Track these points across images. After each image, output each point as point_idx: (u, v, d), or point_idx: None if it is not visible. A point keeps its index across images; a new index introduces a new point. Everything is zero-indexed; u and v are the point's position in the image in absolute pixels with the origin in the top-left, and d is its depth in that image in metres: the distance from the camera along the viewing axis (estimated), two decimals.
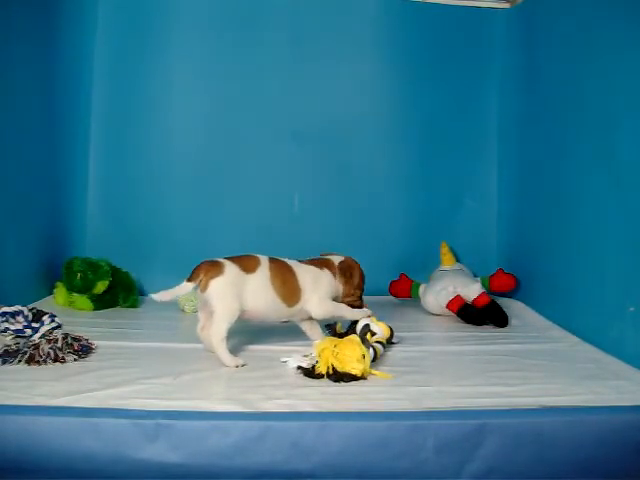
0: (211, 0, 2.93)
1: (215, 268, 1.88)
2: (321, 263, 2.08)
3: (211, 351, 1.88)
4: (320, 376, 1.71)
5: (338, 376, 1.69)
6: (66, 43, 2.74)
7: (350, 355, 1.72)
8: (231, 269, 1.89)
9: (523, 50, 2.83)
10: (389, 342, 1.99)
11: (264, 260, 1.97)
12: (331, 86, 2.97)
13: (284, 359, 1.83)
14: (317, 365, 1.73)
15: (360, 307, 2.08)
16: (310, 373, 1.73)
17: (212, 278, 1.86)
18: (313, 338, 2.02)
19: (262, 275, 1.94)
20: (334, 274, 2.07)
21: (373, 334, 1.91)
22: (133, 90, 2.91)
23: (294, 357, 1.81)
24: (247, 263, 1.94)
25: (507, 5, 3.00)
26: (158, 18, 2.90)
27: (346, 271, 2.08)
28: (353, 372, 1.69)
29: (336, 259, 2.11)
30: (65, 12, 2.72)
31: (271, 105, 2.94)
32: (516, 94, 2.89)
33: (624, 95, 1.96)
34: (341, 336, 1.93)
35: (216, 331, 1.84)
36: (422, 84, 3.00)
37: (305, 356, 1.79)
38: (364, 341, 1.83)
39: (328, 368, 1.70)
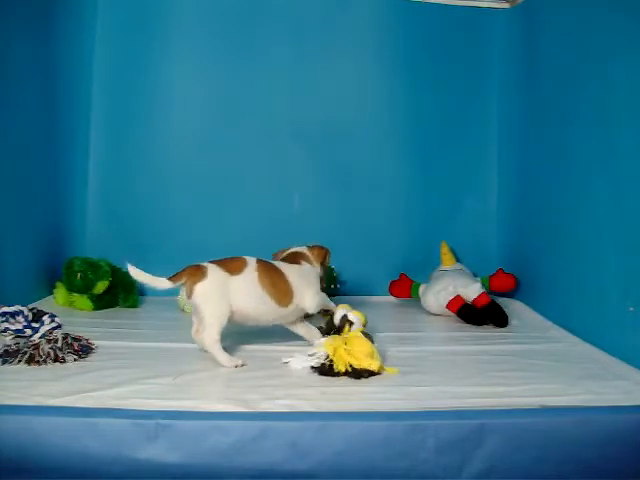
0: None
1: (198, 273, 1.88)
2: (295, 258, 2.12)
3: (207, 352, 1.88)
4: (338, 374, 1.73)
5: (357, 373, 1.73)
6: (66, 42, 2.74)
7: (361, 351, 1.76)
8: (214, 272, 1.89)
9: (523, 50, 2.83)
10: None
11: (251, 261, 1.97)
12: (331, 86, 2.97)
13: (286, 360, 1.84)
14: (334, 364, 1.75)
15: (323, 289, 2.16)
16: (327, 372, 1.75)
17: (195, 283, 1.87)
18: (312, 338, 2.03)
19: (249, 276, 1.94)
20: (312, 263, 2.14)
21: (351, 323, 1.91)
22: (133, 90, 2.91)
23: (296, 357, 1.82)
24: (232, 265, 1.94)
25: (507, 5, 2.99)
26: (158, 17, 2.90)
27: (323, 256, 2.19)
28: (371, 368, 1.74)
29: (302, 249, 2.18)
30: (65, 11, 2.71)
31: (271, 105, 2.94)
32: (516, 94, 2.89)
33: (624, 95, 1.96)
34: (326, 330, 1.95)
35: (208, 335, 1.84)
36: (422, 84, 3.00)
37: (310, 355, 1.81)
38: (366, 335, 1.86)
39: (346, 366, 1.74)
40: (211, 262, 1.92)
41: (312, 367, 1.78)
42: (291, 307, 2.01)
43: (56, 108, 2.70)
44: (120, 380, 1.65)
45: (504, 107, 3.00)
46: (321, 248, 2.21)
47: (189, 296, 1.87)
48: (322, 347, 1.81)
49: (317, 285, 2.10)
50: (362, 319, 1.95)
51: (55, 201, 2.75)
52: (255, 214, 2.93)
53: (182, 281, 1.87)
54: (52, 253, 2.70)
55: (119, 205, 2.93)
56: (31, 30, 2.46)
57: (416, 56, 2.99)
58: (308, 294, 2.04)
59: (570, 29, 2.35)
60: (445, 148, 3.04)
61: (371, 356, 1.77)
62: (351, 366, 1.74)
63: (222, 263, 1.93)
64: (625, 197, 1.94)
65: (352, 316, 1.93)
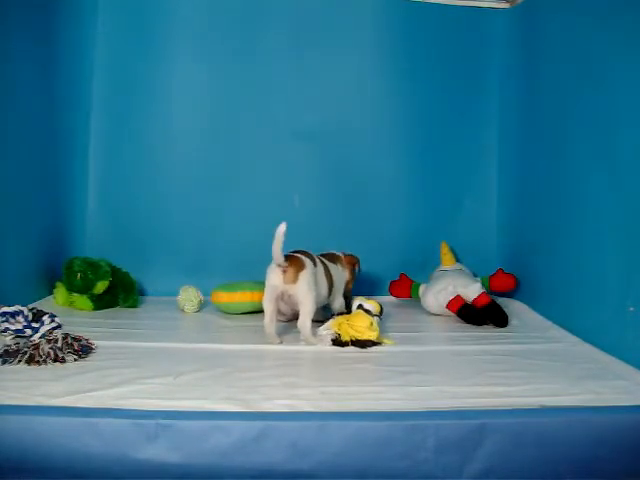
0: None
1: (299, 262, 2.03)
2: (333, 258, 2.39)
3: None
4: (346, 344, 2.00)
5: (360, 343, 1.99)
6: (66, 42, 2.73)
7: (361, 325, 2.02)
8: (309, 264, 2.07)
9: (523, 50, 2.83)
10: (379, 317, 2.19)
11: (313, 255, 2.19)
12: (331, 86, 2.96)
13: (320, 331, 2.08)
14: (341, 336, 2.02)
15: (350, 292, 2.47)
16: (340, 343, 2.00)
17: (299, 271, 2.01)
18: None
19: (320, 268, 2.18)
20: (343, 267, 2.43)
21: (367, 311, 2.10)
22: (133, 90, 2.90)
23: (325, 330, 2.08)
24: (312, 258, 2.15)
25: (507, 5, 2.99)
26: (158, 17, 2.89)
27: (354, 266, 2.50)
28: (371, 338, 2.01)
29: (338, 253, 2.46)
30: (65, 11, 2.71)
31: (271, 105, 2.93)
32: (516, 94, 2.89)
33: (624, 95, 1.96)
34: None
35: (308, 324, 2.03)
36: (421, 84, 2.99)
37: (322, 334, 2.07)
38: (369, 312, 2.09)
39: (350, 337, 2.01)
40: (293, 254, 2.09)
41: (332, 340, 2.02)
42: (330, 297, 2.30)
43: (56, 108, 2.69)
44: (120, 380, 1.65)
45: (504, 107, 3.00)
46: (352, 256, 2.50)
47: (291, 281, 2.00)
48: (329, 328, 2.05)
49: (343, 286, 2.41)
50: (377, 307, 2.13)
51: (55, 201, 2.75)
52: (255, 215, 2.92)
53: (284, 267, 2.01)
54: (52, 253, 2.70)
55: (119, 205, 2.93)
56: (31, 30, 2.45)
57: (416, 56, 2.98)
58: (339, 293, 2.35)
59: (570, 29, 2.34)
60: (445, 148, 3.03)
61: (370, 328, 2.02)
62: (355, 338, 2.00)
63: (306, 255, 2.12)
64: (625, 195, 1.94)
65: (367, 305, 2.12)
